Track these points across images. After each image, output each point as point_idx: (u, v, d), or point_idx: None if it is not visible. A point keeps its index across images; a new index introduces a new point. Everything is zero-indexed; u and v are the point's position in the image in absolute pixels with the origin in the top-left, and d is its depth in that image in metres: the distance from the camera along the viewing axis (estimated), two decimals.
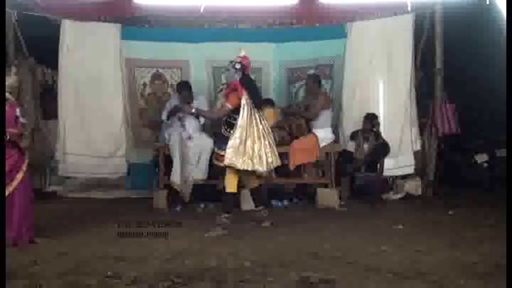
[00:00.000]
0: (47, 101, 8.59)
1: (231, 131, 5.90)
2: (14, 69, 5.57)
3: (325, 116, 7.74)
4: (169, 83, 8.78)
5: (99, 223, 6.40)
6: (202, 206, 7.67)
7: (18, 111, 5.34)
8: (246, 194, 7.50)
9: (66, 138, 8.30)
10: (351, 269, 4.54)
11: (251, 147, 5.83)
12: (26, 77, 8.32)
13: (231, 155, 5.81)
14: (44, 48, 8.43)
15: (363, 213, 7.19)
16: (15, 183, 5.29)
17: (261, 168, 5.90)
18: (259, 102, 6.07)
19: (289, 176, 7.87)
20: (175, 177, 7.48)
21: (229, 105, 5.96)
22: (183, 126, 7.67)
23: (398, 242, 5.44)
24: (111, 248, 5.19)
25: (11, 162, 5.24)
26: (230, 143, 5.83)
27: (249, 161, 5.83)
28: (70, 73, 8.32)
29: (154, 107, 8.67)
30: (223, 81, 8.74)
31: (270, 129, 6.10)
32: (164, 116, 7.89)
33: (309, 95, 7.93)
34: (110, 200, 8.14)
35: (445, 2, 8.02)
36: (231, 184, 6.06)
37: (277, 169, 7.84)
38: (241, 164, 5.82)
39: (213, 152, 6.66)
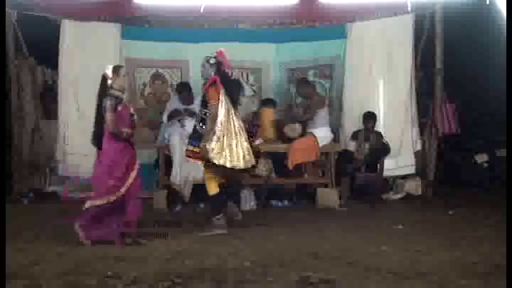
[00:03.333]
0: (47, 101, 8.58)
1: (202, 125, 5.84)
2: (123, 70, 5.60)
3: (321, 115, 7.76)
4: (169, 83, 8.77)
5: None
6: (202, 206, 7.66)
7: (132, 110, 5.57)
8: (246, 194, 7.52)
9: (66, 138, 8.29)
10: (351, 269, 4.54)
11: (228, 144, 5.74)
12: (26, 77, 8.34)
13: (213, 151, 5.68)
14: (44, 48, 8.43)
15: (363, 213, 7.19)
16: (130, 180, 5.40)
17: (240, 165, 5.80)
18: (236, 99, 6.01)
19: (289, 176, 7.88)
20: (175, 177, 7.48)
21: (214, 102, 5.79)
22: (183, 126, 7.68)
23: (398, 242, 5.44)
24: (111, 248, 5.19)
25: (127, 160, 5.41)
26: (212, 138, 5.67)
27: (228, 157, 5.74)
28: (70, 73, 8.31)
29: (154, 107, 8.67)
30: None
31: (243, 127, 5.99)
32: (165, 118, 7.89)
33: (302, 98, 8.03)
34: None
35: (445, 2, 8.02)
36: (212, 186, 5.98)
37: (277, 169, 7.93)
38: (224, 160, 5.71)
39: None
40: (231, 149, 5.74)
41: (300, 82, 8.10)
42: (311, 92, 7.88)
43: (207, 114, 5.81)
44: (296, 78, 8.42)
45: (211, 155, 5.65)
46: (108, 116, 5.34)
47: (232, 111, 5.84)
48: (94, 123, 5.60)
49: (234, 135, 5.78)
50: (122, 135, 5.41)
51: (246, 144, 5.85)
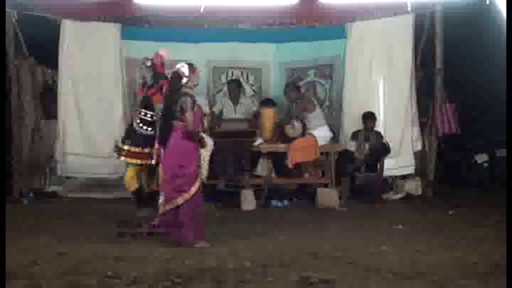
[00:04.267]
0: (47, 101, 8.57)
1: (145, 128, 5.87)
2: (198, 68, 5.63)
3: (314, 116, 7.79)
4: None
5: (99, 223, 6.40)
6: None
7: (204, 110, 5.70)
8: (246, 194, 7.52)
9: (66, 138, 8.29)
10: (351, 269, 4.54)
11: None
12: (26, 77, 8.33)
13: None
14: (44, 48, 8.43)
15: (363, 213, 7.19)
16: (198, 183, 5.38)
17: None
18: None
19: (289, 176, 7.88)
20: None
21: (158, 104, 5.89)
22: None
23: (398, 242, 5.45)
24: (111, 248, 5.19)
25: (196, 161, 5.40)
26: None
27: None
28: (70, 73, 8.31)
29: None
30: (223, 81, 8.80)
31: None
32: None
33: (289, 102, 8.07)
34: (110, 200, 8.13)
35: (445, 2, 8.02)
36: (131, 182, 6.13)
37: (277, 169, 7.93)
38: None
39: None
40: None
41: (286, 87, 8.17)
42: (296, 95, 7.95)
43: (148, 115, 5.85)
44: (287, 82, 8.44)
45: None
46: (188, 115, 5.26)
47: None
48: (162, 121, 5.50)
49: None
50: (198, 136, 5.36)
51: None
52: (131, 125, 6.24)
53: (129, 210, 7.33)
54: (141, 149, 6.08)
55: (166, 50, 6.06)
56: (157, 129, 5.72)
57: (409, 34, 8.23)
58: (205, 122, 5.67)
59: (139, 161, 6.12)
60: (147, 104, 6.02)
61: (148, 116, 5.97)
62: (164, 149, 5.43)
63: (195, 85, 5.47)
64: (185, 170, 5.29)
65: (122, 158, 6.24)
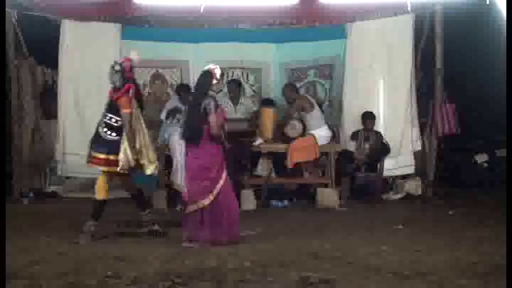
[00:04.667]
0: (47, 101, 8.57)
1: (109, 133, 5.65)
2: (219, 73, 5.58)
3: (312, 116, 7.79)
4: (169, 83, 8.78)
5: (99, 223, 6.38)
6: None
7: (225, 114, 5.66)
8: (246, 194, 7.52)
9: (66, 138, 8.29)
10: (351, 269, 4.54)
11: (139, 151, 5.68)
12: (26, 77, 8.33)
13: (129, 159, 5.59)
14: (44, 48, 8.43)
15: (363, 213, 7.19)
16: (221, 182, 5.43)
17: (149, 170, 5.76)
18: (142, 106, 5.86)
19: (289, 176, 7.88)
20: (176, 177, 7.48)
21: (126, 111, 5.61)
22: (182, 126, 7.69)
23: (398, 242, 5.45)
24: (111, 248, 5.19)
25: (220, 162, 5.45)
26: (127, 146, 5.58)
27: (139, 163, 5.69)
28: (70, 73, 8.31)
29: (154, 107, 8.64)
30: (223, 81, 8.78)
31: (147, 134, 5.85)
32: (163, 116, 7.91)
33: (287, 102, 8.05)
34: (110, 200, 8.12)
35: (445, 2, 8.01)
36: (104, 191, 5.79)
37: (277, 169, 7.93)
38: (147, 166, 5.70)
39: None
40: (142, 154, 5.68)
41: (285, 87, 8.16)
42: (294, 96, 7.95)
43: (113, 120, 5.65)
44: (285, 83, 8.44)
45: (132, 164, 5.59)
46: (213, 117, 5.34)
47: (141, 117, 5.74)
48: (190, 121, 5.51)
49: (143, 142, 5.70)
50: (221, 138, 5.44)
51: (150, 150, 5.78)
52: (98, 129, 5.85)
53: (129, 211, 7.35)
54: (105, 156, 5.66)
55: (137, 52, 5.90)
56: (184, 128, 5.64)
57: (409, 34, 8.23)
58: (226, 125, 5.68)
59: (105, 168, 5.70)
60: (113, 108, 5.70)
61: (113, 120, 5.66)
62: (187, 148, 5.52)
63: (218, 88, 5.53)
64: (210, 172, 5.38)
65: (92, 166, 5.82)
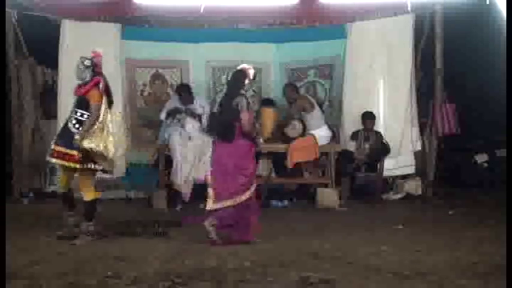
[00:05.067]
0: (47, 101, 8.57)
1: (79, 127, 5.52)
2: (252, 71, 5.64)
3: (312, 116, 7.79)
4: (169, 83, 8.77)
5: (99, 223, 6.38)
6: (202, 206, 7.63)
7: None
8: None
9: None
10: (351, 269, 4.54)
11: (105, 143, 5.59)
12: (26, 77, 8.33)
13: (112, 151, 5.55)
14: (44, 48, 8.42)
15: (363, 213, 7.19)
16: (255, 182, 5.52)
17: (119, 152, 5.69)
18: (112, 101, 5.81)
19: (289, 176, 7.88)
20: (176, 177, 7.49)
21: (96, 105, 5.54)
22: (182, 126, 7.70)
23: (398, 242, 5.45)
24: (111, 248, 5.19)
25: (254, 159, 5.56)
26: (108, 140, 5.54)
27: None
28: (70, 73, 8.26)
29: (154, 107, 8.66)
30: (223, 81, 8.79)
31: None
32: (163, 116, 7.92)
33: (288, 102, 8.08)
34: (110, 200, 8.14)
35: (445, 2, 8.01)
36: (92, 192, 5.65)
37: (277, 169, 7.93)
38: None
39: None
40: (107, 146, 5.57)
41: (286, 87, 8.19)
42: (293, 96, 7.98)
43: (84, 116, 5.54)
44: (285, 84, 8.44)
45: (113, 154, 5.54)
46: (245, 115, 5.41)
47: (109, 112, 5.66)
48: (223, 118, 5.56)
49: (109, 134, 5.61)
50: (253, 135, 5.53)
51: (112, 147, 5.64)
52: (66, 124, 5.68)
53: (129, 211, 7.37)
54: (68, 150, 5.49)
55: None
56: (215, 125, 5.67)
57: (409, 34, 8.23)
58: (257, 124, 5.75)
59: (65, 163, 5.53)
60: (83, 104, 5.59)
61: (85, 116, 5.54)
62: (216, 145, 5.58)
63: (248, 88, 5.68)
64: (243, 171, 5.43)
65: (53, 160, 5.62)
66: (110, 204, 7.84)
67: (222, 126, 5.54)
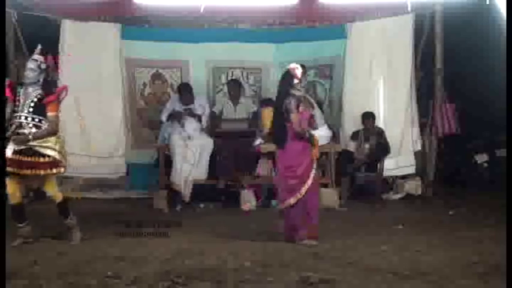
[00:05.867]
0: None
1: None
2: (300, 72, 5.63)
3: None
4: (169, 83, 8.78)
5: (99, 223, 6.40)
6: (202, 206, 7.67)
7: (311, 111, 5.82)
8: (245, 194, 7.52)
9: (65, 138, 8.27)
10: (351, 269, 4.54)
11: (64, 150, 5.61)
12: None
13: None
14: (44, 48, 8.40)
15: (363, 213, 7.19)
16: (309, 181, 5.51)
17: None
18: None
19: None
20: (176, 177, 7.49)
21: (54, 112, 5.48)
22: (182, 126, 7.70)
23: (398, 242, 5.45)
24: (111, 248, 5.19)
25: (308, 160, 5.52)
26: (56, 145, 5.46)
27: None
28: (70, 73, 8.30)
29: (154, 107, 8.67)
30: (223, 81, 8.80)
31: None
32: (164, 118, 7.92)
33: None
34: (110, 200, 8.14)
35: (445, 2, 8.02)
36: (58, 192, 5.60)
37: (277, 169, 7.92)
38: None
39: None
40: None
41: None
42: None
43: (42, 122, 5.41)
44: None
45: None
46: (293, 116, 5.42)
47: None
48: (275, 122, 5.66)
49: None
50: (305, 135, 5.50)
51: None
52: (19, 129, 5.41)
53: (129, 211, 7.37)
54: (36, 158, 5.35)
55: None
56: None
57: (409, 34, 8.23)
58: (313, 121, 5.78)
59: (36, 172, 5.38)
60: (42, 111, 5.44)
61: (43, 122, 5.40)
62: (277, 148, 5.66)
63: (302, 87, 5.64)
64: (296, 171, 5.45)
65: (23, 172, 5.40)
66: (110, 204, 7.86)
67: (274, 130, 5.66)
